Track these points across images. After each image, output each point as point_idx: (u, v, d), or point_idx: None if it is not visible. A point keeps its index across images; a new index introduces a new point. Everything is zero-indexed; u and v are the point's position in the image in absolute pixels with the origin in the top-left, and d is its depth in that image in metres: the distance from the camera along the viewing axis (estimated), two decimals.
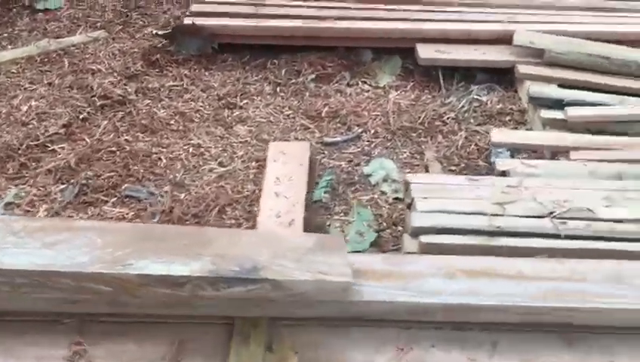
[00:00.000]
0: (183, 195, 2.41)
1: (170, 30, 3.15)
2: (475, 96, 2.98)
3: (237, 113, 2.86)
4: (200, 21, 3.10)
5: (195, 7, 3.20)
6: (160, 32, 3.20)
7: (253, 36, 3.14)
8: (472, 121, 2.86)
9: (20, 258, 1.59)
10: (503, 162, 2.40)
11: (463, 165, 2.61)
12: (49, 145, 2.61)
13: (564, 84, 2.90)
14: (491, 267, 1.76)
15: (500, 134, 2.56)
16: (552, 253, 1.94)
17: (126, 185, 2.43)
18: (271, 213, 2.26)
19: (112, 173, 2.48)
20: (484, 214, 2.06)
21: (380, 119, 2.86)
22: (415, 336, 1.66)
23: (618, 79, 2.90)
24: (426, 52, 3.06)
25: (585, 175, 2.33)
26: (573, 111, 2.61)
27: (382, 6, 3.28)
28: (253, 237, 1.85)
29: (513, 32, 3.05)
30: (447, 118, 2.85)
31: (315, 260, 1.68)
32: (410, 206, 2.18)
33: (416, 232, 2.02)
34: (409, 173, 2.58)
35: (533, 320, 1.67)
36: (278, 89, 3.01)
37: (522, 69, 2.95)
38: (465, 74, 3.11)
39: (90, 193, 2.40)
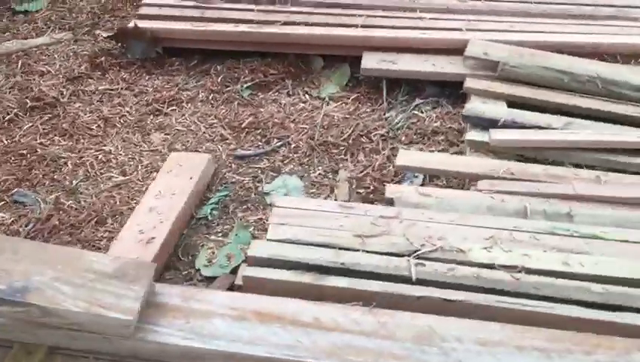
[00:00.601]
0: (69, 203, 2.36)
1: (113, 33, 3.11)
2: (415, 112, 2.71)
3: (160, 120, 2.77)
4: (144, 24, 3.03)
5: (143, 10, 3.13)
6: (104, 35, 3.18)
7: (197, 40, 3.02)
8: (403, 138, 2.59)
9: None
10: (393, 188, 2.14)
11: (372, 188, 2.36)
12: None
13: (515, 102, 2.57)
14: (290, 312, 1.56)
15: (405, 156, 2.28)
16: (397, 299, 1.71)
17: (16, 189, 2.42)
18: (137, 228, 2.15)
19: (10, 177, 2.47)
20: (334, 248, 1.84)
21: (307, 133, 2.66)
22: None
23: (579, 98, 2.53)
24: (370, 62, 2.82)
25: (483, 209, 2.03)
26: (496, 135, 2.28)
27: (338, 10, 3.06)
28: (49, 253, 1.71)
29: None
30: (376, 135, 2.61)
31: (104, 289, 1.55)
32: None
33: (252, 262, 1.83)
34: (313, 193, 2.41)
35: None
36: (211, 96, 2.89)
37: (470, 82, 2.62)
38: (415, 86, 2.83)
39: None
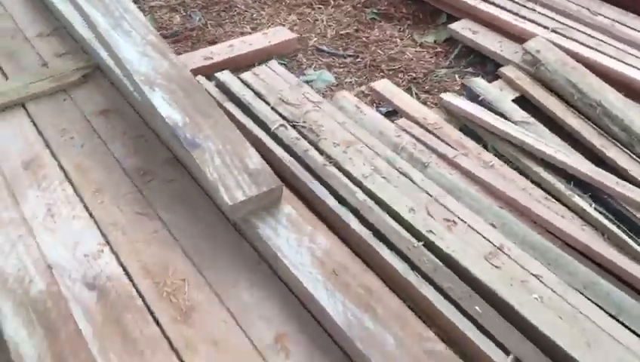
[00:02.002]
0: (209, 29, 3.55)
1: None
2: (457, 75, 3.07)
3: (307, 11, 3.71)
4: None
5: None
6: None
7: None
8: (425, 87, 3.03)
9: None
10: (344, 93, 2.75)
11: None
12: None
13: (526, 98, 2.76)
14: None
15: (382, 85, 2.81)
16: (246, 131, 2.45)
17: (195, 10, 3.70)
18: (211, 50, 3.21)
19: (201, 2, 3.77)
20: (257, 95, 2.63)
21: (377, 57, 3.30)
22: None
23: (572, 117, 2.59)
24: (458, 25, 3.23)
25: (376, 132, 2.51)
26: (448, 98, 2.62)
27: None
28: (231, 132, 2.17)
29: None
30: (410, 76, 3.10)
31: (236, 176, 2.01)
32: None
33: (216, 82, 2.76)
34: (330, 88, 3.11)
35: None
36: (349, 9, 3.69)
37: (505, 69, 2.88)
38: (484, 60, 3.15)
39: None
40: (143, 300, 1.84)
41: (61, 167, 2.31)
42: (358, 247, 2.00)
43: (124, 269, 1.92)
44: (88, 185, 2.24)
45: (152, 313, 1.80)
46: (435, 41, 3.41)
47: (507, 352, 1.71)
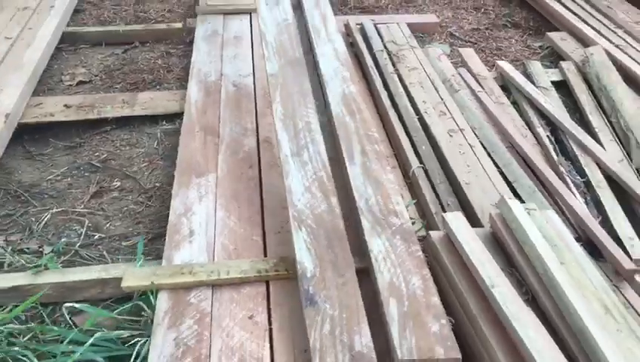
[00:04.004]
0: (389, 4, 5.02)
1: None
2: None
3: (462, 12, 4.97)
4: None
5: None
6: None
7: None
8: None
9: None
10: (431, 47, 3.97)
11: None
12: None
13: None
14: None
15: (466, 51, 3.95)
16: None
17: None
18: None
19: None
20: (379, 35, 4.03)
21: (489, 45, 4.44)
22: None
23: (585, 95, 3.47)
24: (555, 34, 4.26)
25: (438, 69, 3.72)
26: (502, 63, 3.71)
27: None
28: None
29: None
30: (501, 59, 4.18)
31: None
32: None
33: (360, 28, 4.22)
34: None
35: None
36: (493, 16, 4.87)
37: (563, 62, 3.83)
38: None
39: None
40: (255, 98, 3.39)
41: None
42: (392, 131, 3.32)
43: (255, 83, 3.52)
44: None
45: (255, 104, 3.35)
46: (540, 46, 4.44)
47: (422, 163, 2.90)
